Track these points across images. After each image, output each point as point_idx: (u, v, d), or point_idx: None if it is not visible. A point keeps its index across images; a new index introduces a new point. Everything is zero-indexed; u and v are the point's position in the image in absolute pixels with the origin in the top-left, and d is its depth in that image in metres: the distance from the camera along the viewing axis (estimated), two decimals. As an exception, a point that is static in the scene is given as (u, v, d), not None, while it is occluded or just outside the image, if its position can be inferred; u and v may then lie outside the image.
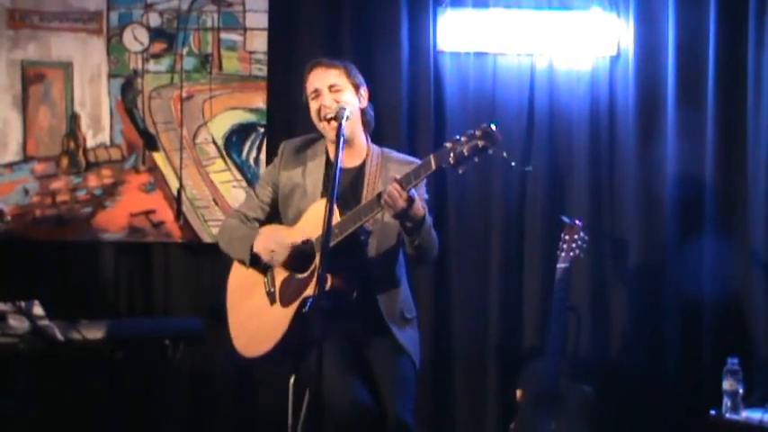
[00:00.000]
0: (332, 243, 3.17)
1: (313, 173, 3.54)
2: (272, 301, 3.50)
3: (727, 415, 4.05)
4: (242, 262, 3.58)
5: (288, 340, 3.41)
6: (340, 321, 3.27)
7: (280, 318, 3.43)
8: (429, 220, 3.37)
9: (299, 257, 3.43)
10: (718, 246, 4.58)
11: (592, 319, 4.62)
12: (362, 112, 3.54)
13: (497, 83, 4.73)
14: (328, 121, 3.43)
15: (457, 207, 4.68)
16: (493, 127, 3.05)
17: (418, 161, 3.54)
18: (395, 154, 3.61)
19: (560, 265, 4.18)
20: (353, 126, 3.48)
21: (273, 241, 3.47)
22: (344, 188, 3.45)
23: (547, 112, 4.71)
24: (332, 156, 3.50)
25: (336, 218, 3.26)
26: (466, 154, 3.06)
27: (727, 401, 4.06)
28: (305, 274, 3.40)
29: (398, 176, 3.23)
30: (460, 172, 3.12)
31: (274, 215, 3.67)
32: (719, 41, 4.61)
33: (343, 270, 3.28)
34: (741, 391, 4.04)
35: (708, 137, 4.63)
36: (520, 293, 4.71)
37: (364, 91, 3.55)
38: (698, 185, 4.63)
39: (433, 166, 3.15)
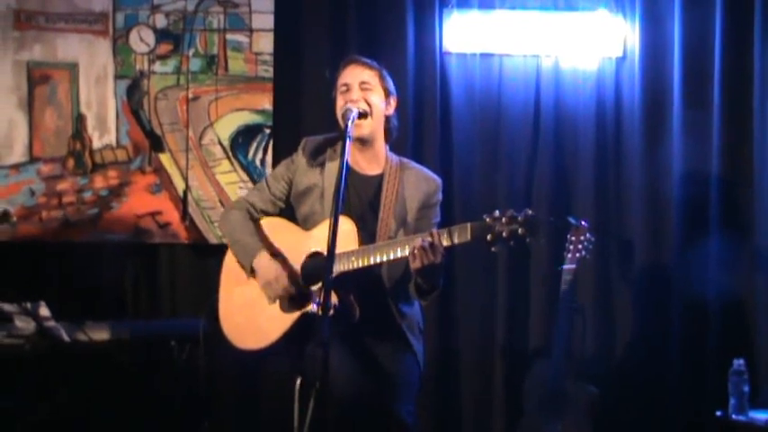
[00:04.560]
0: (347, 270, 3.19)
1: (332, 175, 3.40)
2: (272, 300, 3.44)
3: (733, 416, 4.05)
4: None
5: (281, 343, 3.37)
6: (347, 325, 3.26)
7: (276, 321, 3.38)
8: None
9: (310, 269, 3.37)
10: (724, 246, 4.57)
11: (597, 320, 4.62)
12: (387, 119, 3.48)
13: (503, 84, 4.73)
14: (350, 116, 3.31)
15: (462, 206, 4.67)
16: (537, 218, 3.01)
17: (435, 176, 3.54)
18: (413, 165, 3.55)
19: (566, 266, 4.18)
20: (375, 131, 3.43)
21: (274, 273, 3.38)
22: (361, 196, 3.42)
23: (553, 113, 4.70)
24: (350, 159, 3.38)
25: (355, 243, 3.23)
26: (505, 236, 3.00)
27: (732, 402, 4.06)
28: (312, 288, 3.34)
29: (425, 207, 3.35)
30: (493, 250, 3.06)
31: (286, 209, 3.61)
32: (725, 42, 4.60)
33: (353, 289, 3.24)
34: (747, 391, 4.04)
35: (714, 137, 4.62)
36: (526, 294, 4.70)
37: (393, 100, 3.48)
38: (704, 186, 4.63)
39: (469, 238, 3.08)
